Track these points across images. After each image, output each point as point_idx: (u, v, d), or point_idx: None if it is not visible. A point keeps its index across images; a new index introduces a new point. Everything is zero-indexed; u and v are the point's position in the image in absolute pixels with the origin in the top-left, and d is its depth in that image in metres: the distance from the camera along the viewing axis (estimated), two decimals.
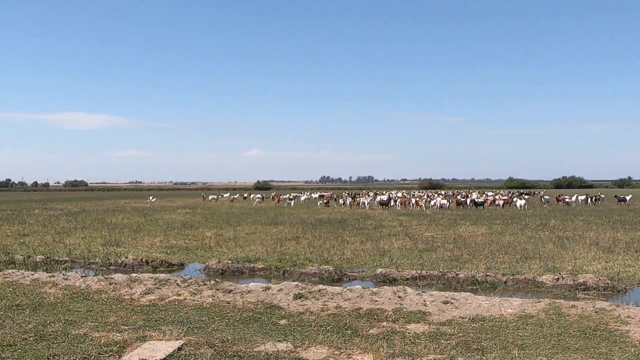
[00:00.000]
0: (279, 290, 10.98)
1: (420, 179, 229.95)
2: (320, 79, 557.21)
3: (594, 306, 9.65)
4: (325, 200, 57.52)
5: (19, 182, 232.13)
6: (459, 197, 58.61)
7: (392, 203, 49.54)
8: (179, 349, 7.39)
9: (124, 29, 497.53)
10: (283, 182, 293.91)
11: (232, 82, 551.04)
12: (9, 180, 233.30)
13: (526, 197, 58.37)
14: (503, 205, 46.26)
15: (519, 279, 13.69)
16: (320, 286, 11.44)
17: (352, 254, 17.97)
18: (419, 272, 14.42)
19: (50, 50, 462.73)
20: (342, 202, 53.36)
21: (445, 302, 10.12)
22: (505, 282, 13.58)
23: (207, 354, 7.14)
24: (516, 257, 16.94)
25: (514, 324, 8.89)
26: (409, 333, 8.44)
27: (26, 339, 7.99)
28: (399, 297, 10.51)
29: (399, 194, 66.60)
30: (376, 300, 10.34)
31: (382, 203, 48.18)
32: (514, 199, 51.80)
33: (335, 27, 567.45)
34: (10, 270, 13.94)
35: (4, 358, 7.04)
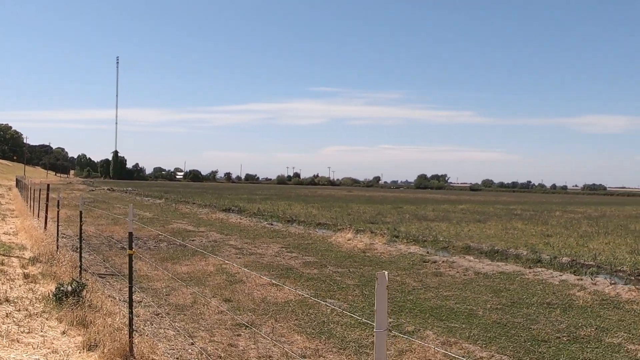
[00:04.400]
0: None
1: None
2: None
3: None
4: None
5: (539, 184, 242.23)
6: None
7: None
8: None
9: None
10: None
11: None
12: (529, 182, 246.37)
13: None
14: None
15: None
16: None
17: None
18: None
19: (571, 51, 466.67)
20: None
21: None
22: None
23: None
24: None
25: None
26: None
27: (560, 338, 8.22)
28: None
29: None
30: None
31: None
32: None
33: None
34: (539, 269, 14.60)
35: (541, 352, 7.38)
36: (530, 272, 13.84)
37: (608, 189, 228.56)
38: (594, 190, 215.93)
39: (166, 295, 10.52)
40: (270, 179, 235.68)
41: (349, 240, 19.30)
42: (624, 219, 39.39)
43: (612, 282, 12.55)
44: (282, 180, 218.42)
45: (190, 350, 7.12)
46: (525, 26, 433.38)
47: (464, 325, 8.77)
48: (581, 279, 12.89)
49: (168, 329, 8.11)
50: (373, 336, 7.13)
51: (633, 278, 15.24)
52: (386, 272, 2.90)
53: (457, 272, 13.98)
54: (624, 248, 20.96)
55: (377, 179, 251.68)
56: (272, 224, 27.39)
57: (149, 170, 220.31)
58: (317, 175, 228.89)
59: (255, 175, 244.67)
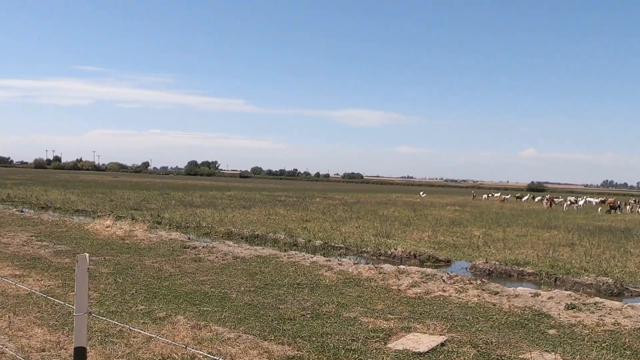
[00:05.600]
0: (549, 298, 10.41)
1: None
2: (602, 74, 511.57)
3: None
4: (607, 207, 52.82)
5: (304, 172, 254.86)
6: None
7: None
8: (442, 344, 7.46)
9: (400, 29, 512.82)
10: (559, 184, 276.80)
11: (508, 79, 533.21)
12: (296, 170, 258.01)
13: None
14: None
15: None
16: (597, 299, 10.57)
17: (636, 268, 16.25)
18: None
19: (336, 54, 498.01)
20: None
21: None
22: None
23: (470, 353, 7.09)
24: None
25: None
26: None
27: (304, 315, 8.79)
28: None
29: None
30: None
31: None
32: None
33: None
34: (293, 252, 15.41)
35: (285, 330, 7.82)
36: (285, 255, 14.54)
37: (365, 177, 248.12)
38: (353, 178, 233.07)
39: None
40: (27, 163, 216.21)
41: (107, 227, 18.51)
42: (375, 205, 43.17)
43: (356, 262, 13.72)
44: (40, 164, 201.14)
45: None
46: (292, 26, 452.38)
47: (216, 309, 8.94)
48: (329, 260, 13.88)
49: None
50: (120, 325, 6.97)
51: (375, 258, 16.83)
52: (87, 255, 2.84)
53: (217, 257, 14.18)
54: (371, 231, 22.99)
55: (146, 164, 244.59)
56: (22, 211, 25.22)
57: None
58: (81, 160, 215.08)
59: (9, 158, 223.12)
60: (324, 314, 8.90)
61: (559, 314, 9.59)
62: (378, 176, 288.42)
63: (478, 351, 7.23)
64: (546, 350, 7.47)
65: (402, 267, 13.05)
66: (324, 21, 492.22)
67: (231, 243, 16.94)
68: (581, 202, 59.66)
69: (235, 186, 79.63)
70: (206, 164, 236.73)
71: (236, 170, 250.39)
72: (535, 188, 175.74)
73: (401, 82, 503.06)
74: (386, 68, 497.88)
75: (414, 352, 7.08)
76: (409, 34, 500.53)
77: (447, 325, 8.45)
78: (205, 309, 8.95)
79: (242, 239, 19.60)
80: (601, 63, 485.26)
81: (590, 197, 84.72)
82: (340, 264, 13.27)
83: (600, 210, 50.36)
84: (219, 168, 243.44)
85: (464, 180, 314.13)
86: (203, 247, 15.41)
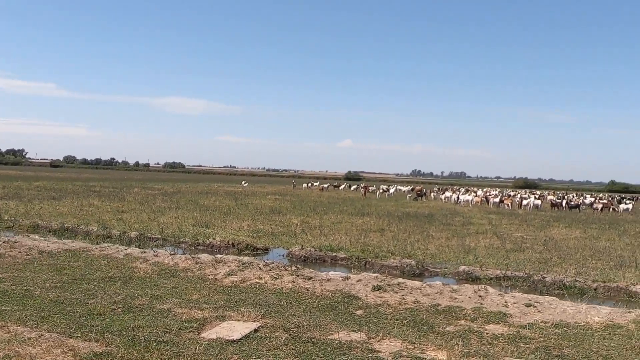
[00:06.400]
0: (358, 281, 11.01)
1: (515, 177, 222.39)
2: (415, 73, 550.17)
3: None
4: (415, 194, 56.96)
5: (122, 161, 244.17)
6: (554, 198, 56.56)
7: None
8: (255, 330, 7.58)
9: (228, 23, 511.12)
10: (374, 173, 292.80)
11: (329, 74, 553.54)
12: (113, 159, 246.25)
13: (629, 202, 55.52)
14: (602, 210, 44.17)
15: (610, 287, 13.07)
16: (400, 279, 11.37)
17: (436, 250, 17.74)
18: (503, 272, 14.05)
19: (158, 41, 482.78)
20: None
21: (528, 305, 9.81)
22: (595, 289, 13.00)
23: (282, 338, 7.28)
24: (610, 264, 16.16)
25: (600, 333, 8.50)
26: (486, 333, 8.25)
27: (115, 309, 8.45)
28: (480, 296, 10.29)
29: (479, 193, 64.16)
30: (456, 298, 10.17)
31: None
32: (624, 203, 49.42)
33: (437, 26, 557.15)
34: (106, 244, 14.74)
35: (93, 326, 7.47)
36: (97, 248, 13.86)
37: (187, 167, 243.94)
38: (174, 168, 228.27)
39: None
40: None
41: None
42: (195, 195, 42.61)
43: (172, 252, 13.47)
44: None
45: None
46: (109, 12, 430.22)
47: (16, 308, 8.28)
48: (145, 252, 13.46)
49: None
50: None
51: (193, 248, 16.66)
52: None
53: (20, 252, 13.13)
54: (190, 221, 22.69)
55: None
56: None
57: None
58: None
59: None
60: (137, 307, 8.64)
61: (366, 295, 10.18)
62: (201, 166, 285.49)
63: (290, 335, 7.45)
64: (353, 330, 7.90)
65: (219, 256, 13.05)
66: (143, 8, 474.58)
67: (37, 237, 15.77)
68: (392, 190, 63.69)
69: (45, 176, 74.28)
70: (11, 152, 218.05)
71: (46, 159, 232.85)
72: (352, 177, 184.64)
73: (224, 71, 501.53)
74: (208, 57, 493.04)
75: (228, 340, 7.12)
76: (227, 26, 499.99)
77: (261, 312, 8.60)
78: (3, 308, 8.26)
79: (50, 232, 18.34)
80: (408, 65, 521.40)
81: (400, 185, 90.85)
82: (156, 256, 12.95)
83: (409, 197, 54.14)
84: (27, 157, 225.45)
85: (286, 170, 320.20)
86: (4, 242, 14.19)
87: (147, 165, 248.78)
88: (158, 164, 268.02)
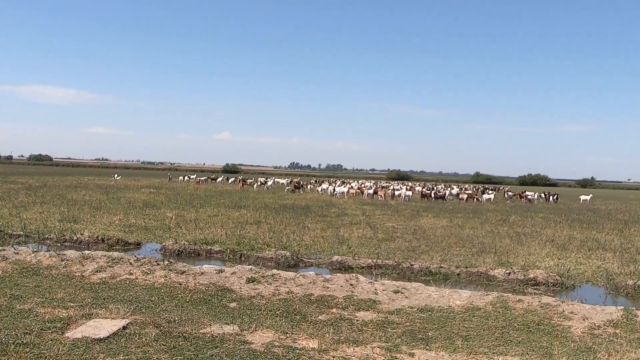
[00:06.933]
0: (232, 274, 10.97)
1: (388, 169, 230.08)
2: (294, 64, 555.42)
3: (539, 301, 9.85)
4: (292, 186, 57.49)
5: None
6: (424, 189, 59.30)
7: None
8: (124, 327, 7.36)
9: (99, 3, 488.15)
10: (252, 166, 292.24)
11: (206, 63, 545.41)
12: None
13: (491, 192, 59.32)
14: (467, 200, 46.82)
15: (471, 272, 13.93)
16: (274, 271, 11.46)
17: (311, 241, 18.03)
18: (374, 261, 14.56)
19: (22, 22, 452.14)
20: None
21: (396, 292, 10.24)
22: (458, 275, 13.80)
23: (152, 334, 7.12)
24: (472, 251, 17.20)
25: (461, 315, 9.05)
26: (357, 320, 8.53)
27: None
28: (351, 284, 10.60)
29: (354, 185, 65.99)
30: (328, 287, 10.41)
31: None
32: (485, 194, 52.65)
33: (314, 13, 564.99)
34: None
35: None
36: None
37: (54, 159, 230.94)
38: (40, 160, 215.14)
39: None
40: None
41: None
42: (63, 189, 40.48)
43: (35, 250, 12.73)
44: None
45: None
46: None
47: None
48: (4, 250, 12.61)
49: None
50: None
51: (59, 244, 15.85)
52: None
53: None
54: (56, 216, 21.56)
55: None
56: None
57: None
58: None
59: None
60: None
61: (240, 288, 10.18)
62: (70, 158, 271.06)
63: (160, 330, 7.30)
64: (226, 323, 7.87)
65: (87, 252, 12.50)
66: None
67: None
68: (270, 183, 63.84)
69: None
70: None
71: None
72: (230, 170, 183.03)
73: (94, 57, 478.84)
74: (76, 41, 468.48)
75: (94, 338, 6.86)
76: (97, 6, 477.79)
77: (131, 308, 8.35)
78: None
79: None
80: (285, 57, 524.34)
81: (278, 177, 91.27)
82: (17, 253, 12.17)
83: (287, 189, 54.57)
84: None
85: (162, 163, 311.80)
86: None
87: (9, 157, 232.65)
88: (22, 156, 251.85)
